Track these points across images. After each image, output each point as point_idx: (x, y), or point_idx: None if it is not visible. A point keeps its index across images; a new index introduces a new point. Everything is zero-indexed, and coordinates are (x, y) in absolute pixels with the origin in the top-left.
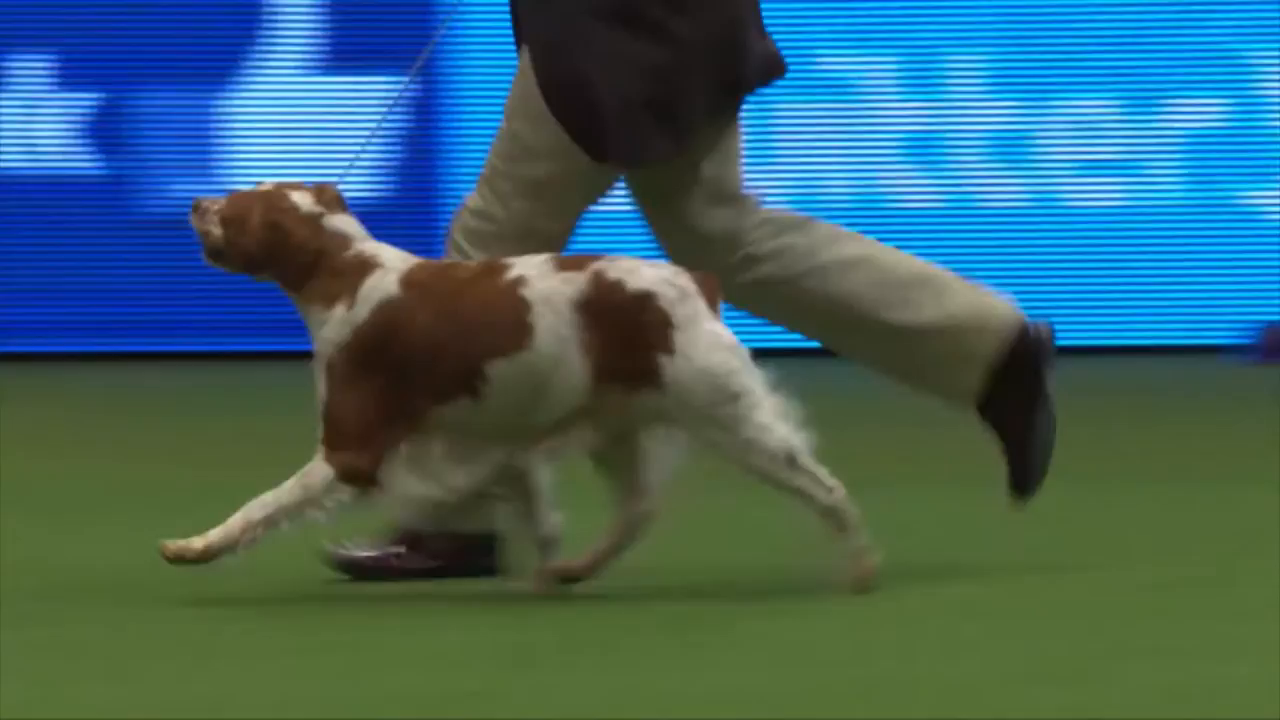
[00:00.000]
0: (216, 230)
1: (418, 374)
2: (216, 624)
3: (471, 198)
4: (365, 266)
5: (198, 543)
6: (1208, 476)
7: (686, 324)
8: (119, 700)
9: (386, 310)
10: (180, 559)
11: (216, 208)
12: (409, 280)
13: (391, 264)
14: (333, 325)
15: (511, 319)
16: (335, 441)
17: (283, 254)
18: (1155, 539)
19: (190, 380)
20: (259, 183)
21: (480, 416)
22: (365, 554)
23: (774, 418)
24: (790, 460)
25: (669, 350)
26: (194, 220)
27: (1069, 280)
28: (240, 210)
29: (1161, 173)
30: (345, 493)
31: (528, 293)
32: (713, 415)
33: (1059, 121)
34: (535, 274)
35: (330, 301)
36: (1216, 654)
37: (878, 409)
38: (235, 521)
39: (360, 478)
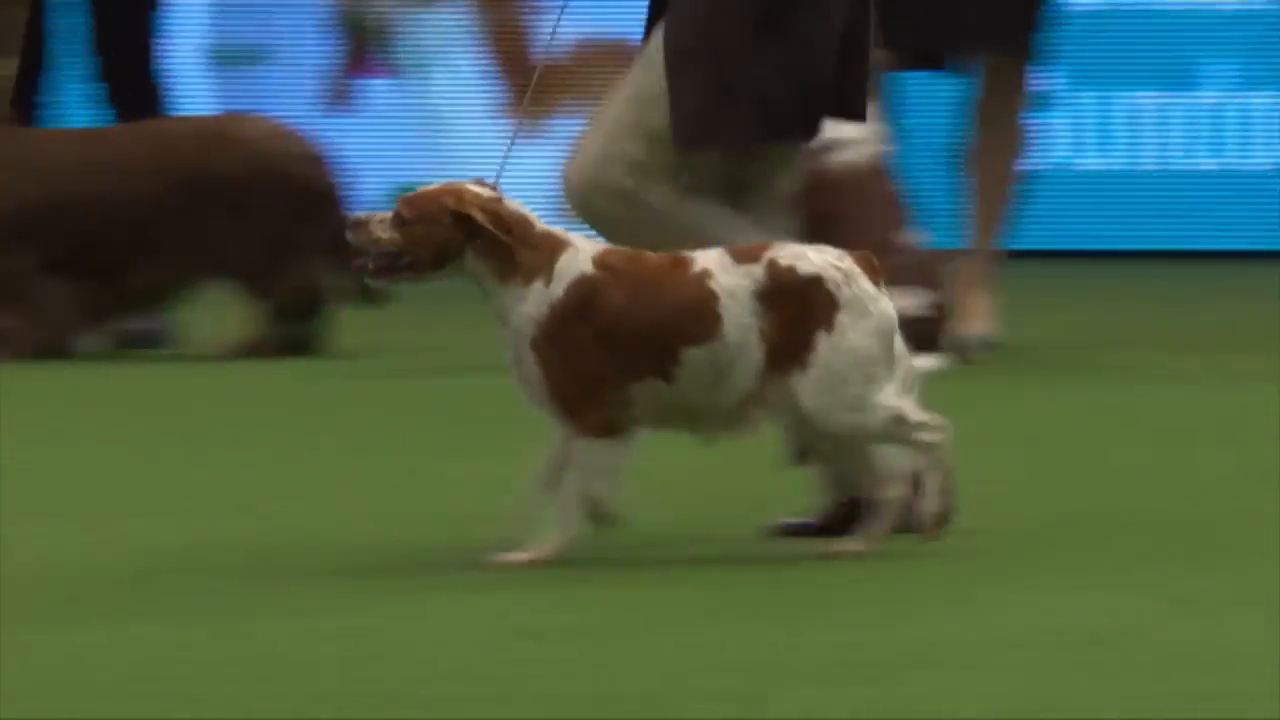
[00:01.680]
0: (389, 236)
1: (612, 351)
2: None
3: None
4: (558, 244)
5: (544, 549)
6: None
7: (850, 305)
8: None
9: (582, 287)
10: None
11: (380, 218)
12: (601, 262)
13: (581, 245)
14: (531, 301)
15: (703, 309)
16: (575, 411)
17: (489, 237)
18: None
19: None
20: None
21: (669, 398)
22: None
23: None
24: (898, 421)
25: (830, 329)
26: (355, 235)
27: None
28: (423, 209)
29: None
30: (613, 447)
31: (714, 285)
32: (846, 392)
33: None
34: (718, 267)
35: (528, 277)
36: None
37: None
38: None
39: (616, 428)
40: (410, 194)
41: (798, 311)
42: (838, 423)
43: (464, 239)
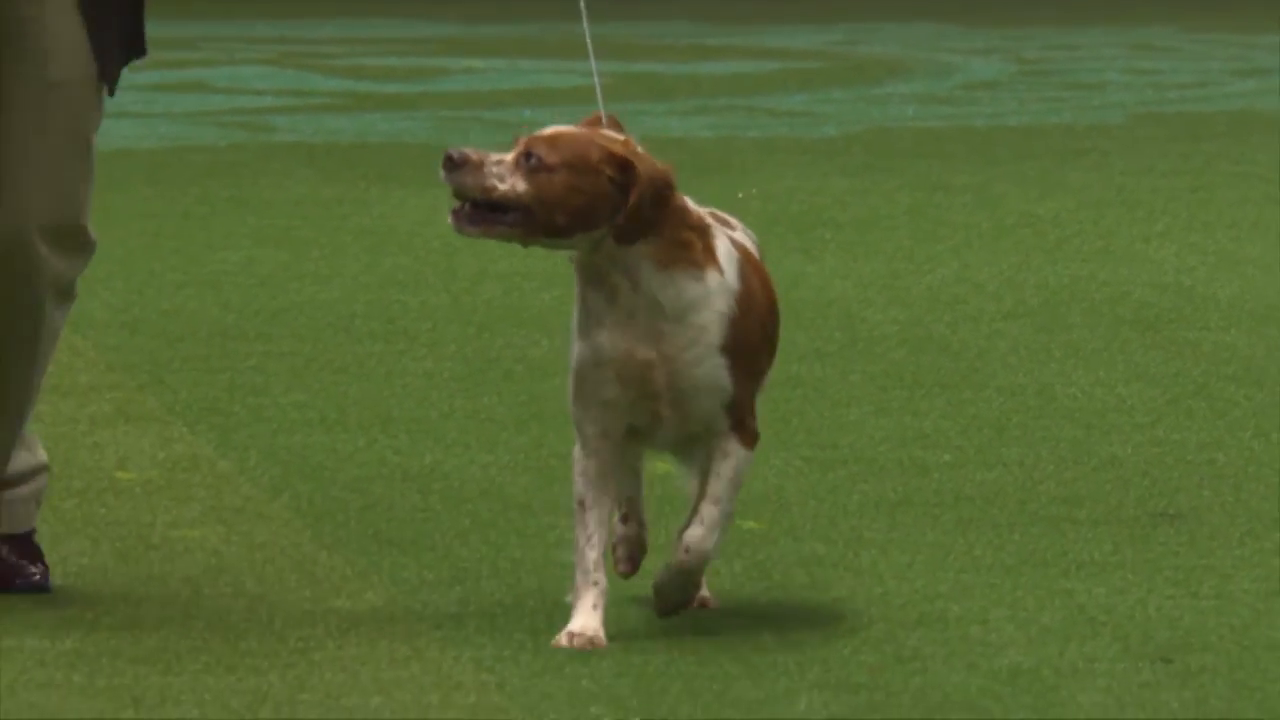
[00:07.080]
0: (509, 185)
1: (769, 346)
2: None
3: None
4: (701, 218)
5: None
6: None
7: None
8: None
9: (743, 272)
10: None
11: (497, 159)
12: (733, 240)
13: (700, 212)
14: (718, 295)
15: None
16: (746, 422)
17: (658, 208)
18: None
19: None
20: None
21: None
22: None
23: None
24: None
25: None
26: (462, 178)
27: None
28: (574, 154)
29: None
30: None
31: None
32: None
33: None
34: (739, 231)
35: (700, 263)
36: None
37: None
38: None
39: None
40: (548, 132)
41: None
42: None
43: (619, 204)
